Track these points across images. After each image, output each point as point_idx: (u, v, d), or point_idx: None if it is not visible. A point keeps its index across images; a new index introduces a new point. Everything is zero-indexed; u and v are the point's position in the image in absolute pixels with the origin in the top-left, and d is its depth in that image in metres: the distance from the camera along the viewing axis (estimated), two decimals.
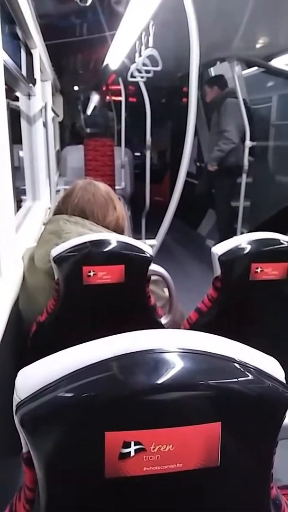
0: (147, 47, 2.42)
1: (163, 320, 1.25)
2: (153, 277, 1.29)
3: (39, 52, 2.36)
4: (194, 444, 0.41)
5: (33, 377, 0.42)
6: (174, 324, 1.30)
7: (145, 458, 0.40)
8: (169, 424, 0.41)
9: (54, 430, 0.41)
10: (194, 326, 1.17)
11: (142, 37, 2.43)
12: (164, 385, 0.41)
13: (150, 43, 2.38)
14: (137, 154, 5.60)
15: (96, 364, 0.42)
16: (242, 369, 0.44)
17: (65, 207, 1.31)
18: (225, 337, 0.47)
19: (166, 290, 1.34)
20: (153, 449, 0.40)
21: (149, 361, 0.43)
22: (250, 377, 0.44)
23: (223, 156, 3.62)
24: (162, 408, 0.41)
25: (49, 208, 2.56)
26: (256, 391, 0.43)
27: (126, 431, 0.40)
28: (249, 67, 3.63)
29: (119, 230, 1.32)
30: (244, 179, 3.59)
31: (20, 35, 1.91)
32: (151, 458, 0.40)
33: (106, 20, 2.54)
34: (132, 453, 0.40)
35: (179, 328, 1.23)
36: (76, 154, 4.76)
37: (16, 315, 1.23)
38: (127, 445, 0.40)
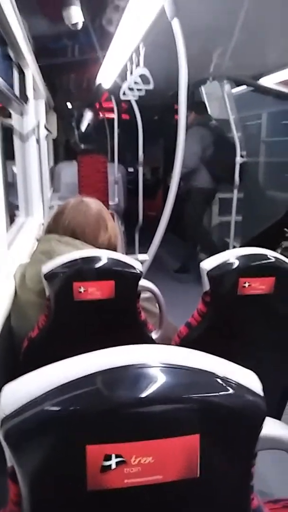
0: (137, 66, 2.47)
1: (154, 335, 1.27)
2: (146, 295, 1.30)
3: (32, 71, 2.40)
4: (174, 456, 0.42)
5: (18, 392, 0.43)
6: (166, 339, 1.30)
7: (126, 470, 0.41)
8: (150, 437, 0.42)
9: (37, 444, 0.42)
10: (184, 340, 1.18)
11: (133, 56, 2.49)
12: (146, 399, 0.42)
13: (141, 63, 2.43)
14: (131, 170, 5.67)
15: (80, 379, 0.43)
16: (223, 384, 0.45)
17: (56, 227, 1.32)
18: (214, 350, 0.49)
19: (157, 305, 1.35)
20: (134, 461, 0.41)
21: (131, 375, 0.44)
22: (230, 391, 0.45)
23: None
24: (143, 421, 0.43)
25: (43, 224, 2.58)
26: (235, 404, 0.45)
27: (107, 444, 0.41)
28: (238, 85, 3.71)
29: (111, 249, 1.33)
30: (235, 195, 3.64)
31: (12, 55, 1.95)
32: (131, 470, 0.41)
33: (98, 40, 2.60)
34: (113, 466, 0.41)
35: (170, 342, 1.24)
36: (69, 170, 4.79)
37: (8, 331, 1.24)
38: (108, 458, 0.41)
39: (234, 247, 3.68)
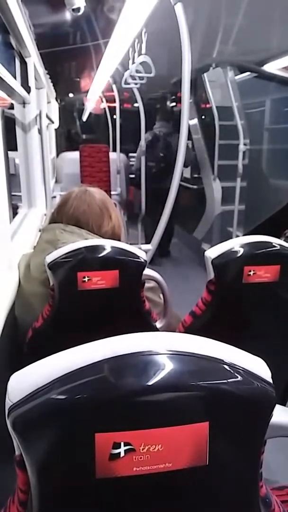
0: (140, 54, 2.44)
1: (158, 325, 1.26)
2: (150, 284, 1.29)
3: (34, 60, 2.38)
4: (183, 444, 0.42)
5: (25, 381, 0.43)
6: (170, 328, 1.30)
7: (135, 458, 0.41)
8: (158, 425, 0.42)
9: (45, 433, 0.42)
10: (189, 329, 1.18)
11: (135, 44, 2.46)
12: (153, 386, 0.42)
13: (143, 50, 2.40)
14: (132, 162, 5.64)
15: (87, 367, 0.43)
16: (231, 370, 0.45)
17: (60, 216, 1.31)
18: (219, 339, 0.48)
19: (161, 295, 1.35)
20: (143, 449, 0.41)
21: (138, 363, 0.44)
22: (239, 378, 0.44)
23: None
24: (152, 409, 0.42)
25: (45, 215, 2.57)
26: (244, 391, 0.44)
27: (116, 432, 0.41)
28: (241, 72, 3.67)
29: (115, 239, 1.32)
30: (238, 183, 3.62)
31: (14, 44, 1.93)
32: (140, 458, 0.41)
33: (100, 28, 2.57)
34: (122, 454, 0.41)
35: (174, 331, 1.24)
36: (71, 160, 4.78)
37: (12, 322, 1.24)
38: (117, 446, 0.41)
39: (237, 236, 3.67)
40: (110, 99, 5.43)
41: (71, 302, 1.14)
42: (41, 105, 3.00)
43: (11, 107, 2.40)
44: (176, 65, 1.91)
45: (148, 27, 2.18)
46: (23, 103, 2.35)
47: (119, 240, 1.33)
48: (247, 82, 3.84)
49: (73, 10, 1.74)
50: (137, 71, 2.62)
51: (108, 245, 1.13)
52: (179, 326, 1.23)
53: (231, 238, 1.16)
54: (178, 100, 5.29)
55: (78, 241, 1.19)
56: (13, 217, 2.29)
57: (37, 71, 2.62)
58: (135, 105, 3.92)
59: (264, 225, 3.38)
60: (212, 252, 1.10)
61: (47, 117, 3.27)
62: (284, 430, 0.50)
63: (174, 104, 5.81)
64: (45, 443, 0.42)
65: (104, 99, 5.89)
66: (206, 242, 4.42)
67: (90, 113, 6.93)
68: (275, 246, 1.10)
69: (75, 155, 4.75)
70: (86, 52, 3.21)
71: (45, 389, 0.42)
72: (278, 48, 2.71)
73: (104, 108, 6.06)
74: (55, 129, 5.28)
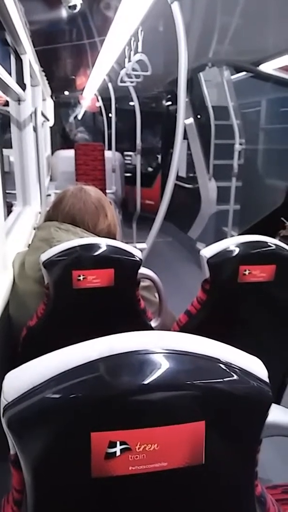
0: (136, 52, 2.44)
1: (153, 323, 1.26)
2: (145, 283, 1.29)
3: (29, 57, 2.36)
4: (179, 443, 0.42)
5: (20, 379, 0.43)
6: (165, 327, 1.30)
7: (131, 457, 0.41)
8: (154, 424, 0.41)
9: (40, 432, 0.42)
10: (184, 328, 1.18)
11: (131, 42, 2.45)
12: (149, 385, 0.42)
13: (139, 48, 2.40)
14: (128, 159, 5.64)
15: (83, 366, 0.43)
16: (227, 369, 0.45)
17: (56, 214, 1.30)
18: (214, 338, 0.48)
19: (157, 294, 1.34)
20: (138, 448, 0.41)
21: (134, 362, 0.43)
22: (235, 377, 0.44)
23: None
24: (147, 408, 0.42)
25: (40, 213, 2.56)
26: (240, 390, 0.44)
27: (112, 431, 0.41)
28: (237, 72, 3.67)
29: (111, 237, 1.32)
30: (233, 183, 3.62)
31: (9, 41, 1.91)
32: (136, 457, 0.41)
33: (96, 25, 2.56)
34: (118, 453, 0.41)
35: (169, 330, 1.24)
36: (67, 159, 4.76)
37: (6, 321, 1.23)
38: (112, 445, 0.41)
39: (232, 235, 3.68)
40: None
41: (66, 300, 1.13)
42: (36, 102, 2.99)
43: (6, 104, 2.39)
44: (172, 64, 1.91)
45: (145, 26, 2.18)
46: (18, 100, 2.34)
47: (114, 238, 1.32)
48: (243, 82, 3.84)
49: (69, 7, 1.73)
50: (133, 69, 2.61)
51: (104, 243, 1.12)
52: (174, 325, 1.23)
53: (226, 237, 1.16)
54: (174, 99, 5.30)
55: (73, 239, 1.19)
56: (8, 215, 2.28)
57: (32, 68, 2.60)
58: (131, 103, 3.92)
59: (259, 225, 3.39)
60: (208, 252, 1.10)
61: (42, 114, 3.25)
62: (279, 429, 0.50)
63: (169, 103, 5.82)
64: (40, 442, 0.42)
65: (99, 98, 5.88)
66: (201, 241, 4.42)
67: (86, 111, 6.92)
68: (270, 246, 1.10)
69: (70, 153, 4.73)
70: (82, 50, 3.20)
71: (40, 388, 0.42)
72: (274, 48, 2.72)
73: (100, 107, 6.05)
74: (50, 127, 5.26)
